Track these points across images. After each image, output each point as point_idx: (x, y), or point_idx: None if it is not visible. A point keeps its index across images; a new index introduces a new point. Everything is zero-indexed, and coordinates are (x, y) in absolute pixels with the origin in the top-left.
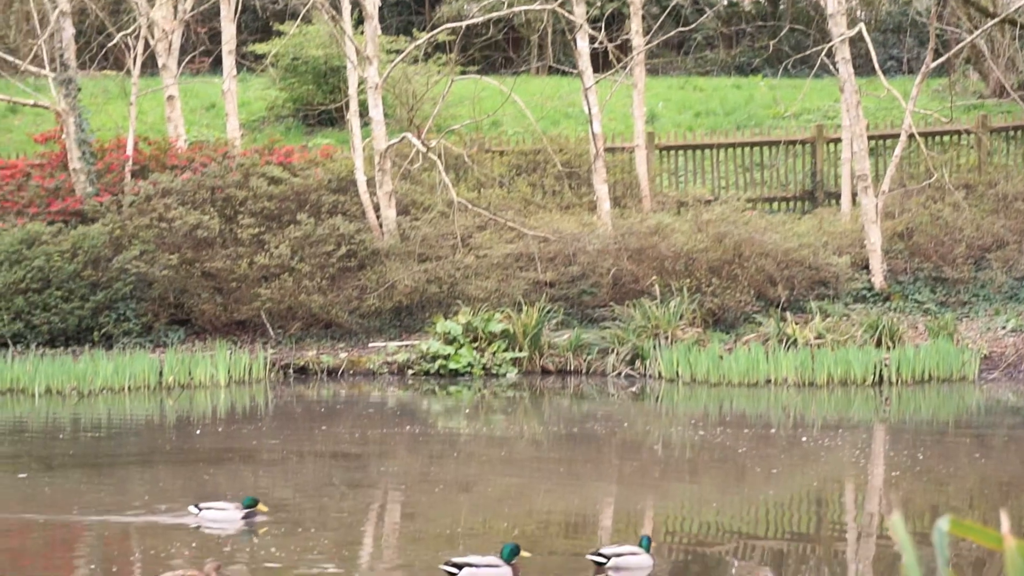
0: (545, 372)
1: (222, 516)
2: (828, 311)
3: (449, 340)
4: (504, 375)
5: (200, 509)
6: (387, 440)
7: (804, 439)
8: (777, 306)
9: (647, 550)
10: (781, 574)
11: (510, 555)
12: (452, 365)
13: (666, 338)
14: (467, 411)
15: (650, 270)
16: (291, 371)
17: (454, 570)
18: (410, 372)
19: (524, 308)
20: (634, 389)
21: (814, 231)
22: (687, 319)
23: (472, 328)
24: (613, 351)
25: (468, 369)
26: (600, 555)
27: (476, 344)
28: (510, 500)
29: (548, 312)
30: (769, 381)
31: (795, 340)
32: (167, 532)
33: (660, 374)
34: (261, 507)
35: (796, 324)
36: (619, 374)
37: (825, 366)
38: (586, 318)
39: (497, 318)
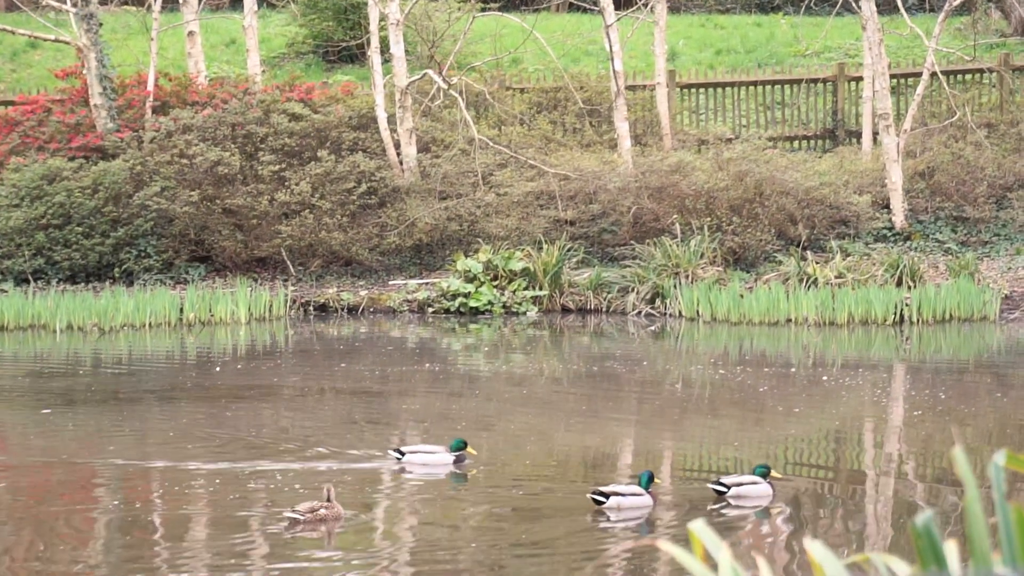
0: (565, 311)
1: (432, 459)
2: (849, 250)
3: (469, 278)
4: (524, 313)
5: (403, 453)
6: (407, 378)
7: (824, 378)
8: (798, 245)
9: (765, 479)
10: (800, 513)
11: (647, 483)
12: (472, 303)
13: (686, 277)
14: (487, 349)
15: (671, 208)
16: (311, 308)
17: (601, 499)
18: (430, 310)
19: (544, 246)
20: (654, 328)
21: (835, 170)
22: (707, 258)
23: (492, 266)
24: (633, 290)
25: (488, 307)
26: (721, 484)
27: (496, 282)
28: (531, 438)
29: (568, 251)
30: (789, 320)
31: (815, 279)
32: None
33: (680, 313)
34: (470, 450)
35: (816, 263)
36: (639, 313)
37: (845, 305)
38: (606, 257)
39: (517, 256)
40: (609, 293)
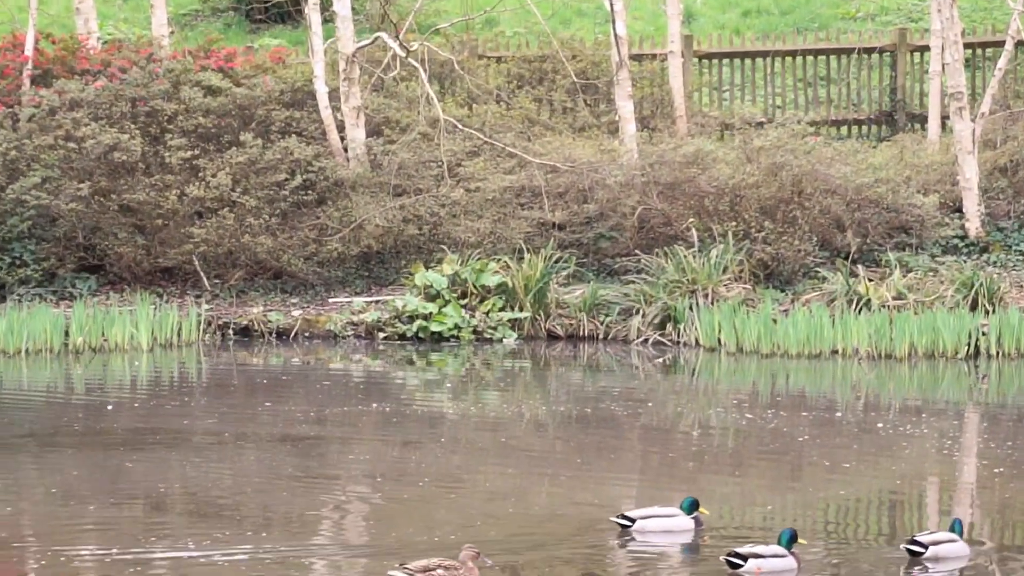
0: (552, 338)
1: (672, 524)
2: (910, 264)
3: (431, 296)
4: (500, 341)
5: (631, 520)
6: (352, 421)
7: (879, 426)
8: (846, 257)
9: (960, 535)
10: None
11: (789, 542)
12: (435, 327)
13: (705, 296)
14: (453, 386)
15: (686, 210)
16: (231, 332)
17: (738, 562)
18: (381, 336)
19: (526, 256)
20: (664, 360)
21: (893, 163)
22: (732, 272)
23: (460, 281)
24: (638, 312)
25: (455, 333)
26: (916, 543)
27: (465, 301)
28: (507, 500)
29: (557, 262)
30: (835, 352)
31: (868, 300)
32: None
33: (697, 342)
34: (703, 509)
35: (870, 280)
36: (646, 341)
37: (906, 334)
38: (604, 270)
39: (492, 268)
40: (608, 316)
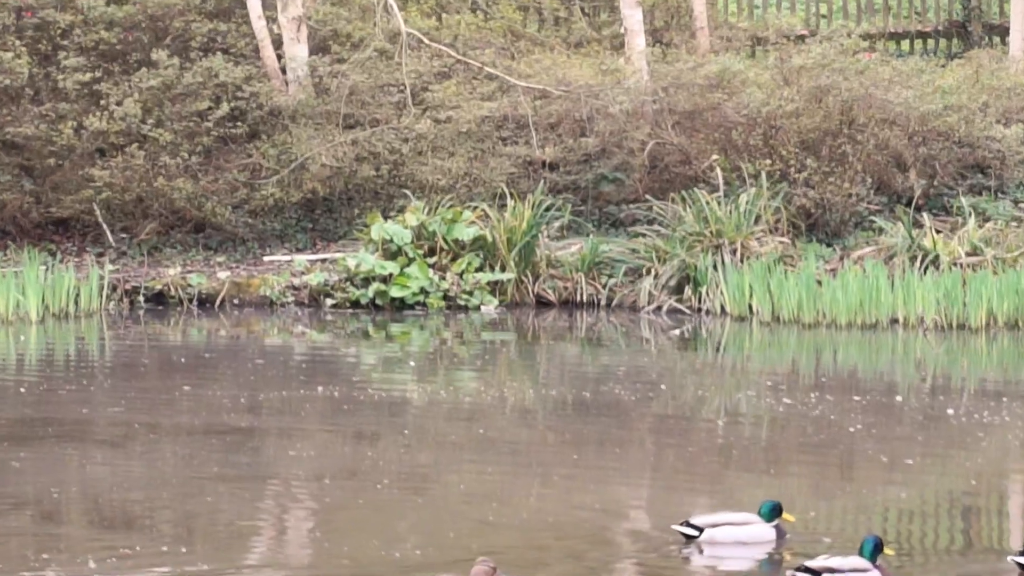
0: (542, 304)
1: (748, 534)
2: (988, 212)
3: (391, 253)
4: (478, 308)
5: (698, 529)
6: (293, 409)
7: (950, 412)
8: (908, 203)
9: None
10: None
11: (873, 552)
12: (396, 292)
13: (733, 252)
14: (419, 365)
15: (709, 145)
16: (141, 299)
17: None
18: (329, 303)
19: (510, 203)
20: (682, 332)
21: (968, 86)
22: (766, 223)
23: (427, 234)
24: (649, 273)
25: (421, 299)
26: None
27: (434, 260)
28: (486, 506)
29: (547, 210)
30: (895, 321)
31: (936, 257)
32: None
33: (723, 309)
34: (787, 516)
35: (938, 232)
36: (659, 308)
37: (983, 299)
38: (607, 220)
39: (467, 219)
40: (612, 277)
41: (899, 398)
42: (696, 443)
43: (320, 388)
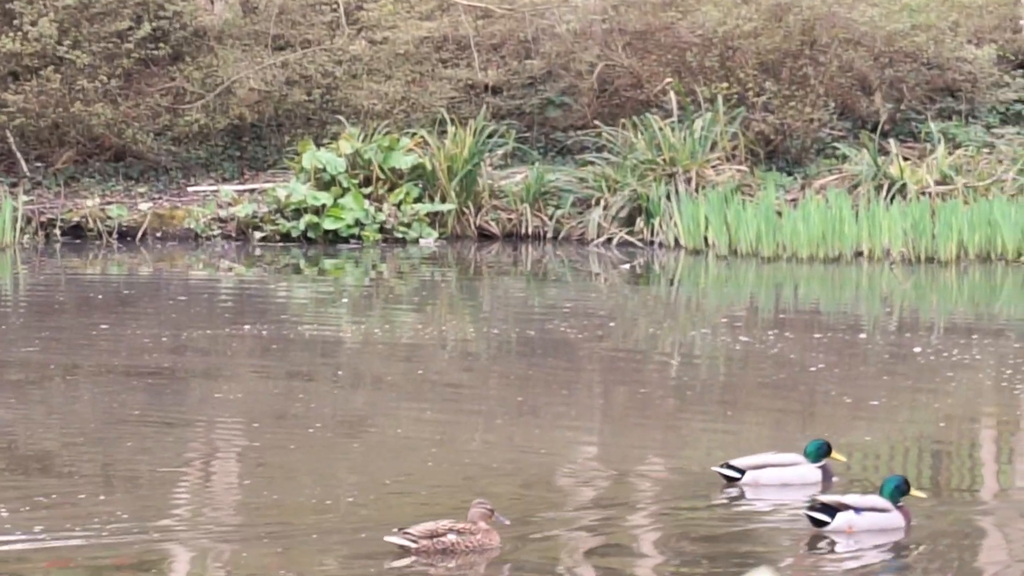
0: (485, 237)
1: (792, 475)
2: (958, 138)
3: (324, 183)
4: (416, 241)
5: (739, 471)
6: (219, 349)
7: (917, 350)
8: (873, 129)
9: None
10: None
11: (895, 492)
12: (329, 224)
13: (688, 182)
14: (353, 301)
15: (662, 67)
16: (58, 232)
17: (824, 518)
18: (258, 235)
19: (450, 129)
20: (633, 266)
21: (936, 3)
22: (723, 150)
23: (363, 162)
24: (599, 203)
25: (355, 231)
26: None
27: (369, 190)
28: (426, 451)
29: (490, 137)
30: (860, 254)
31: (903, 186)
32: None
33: (677, 242)
34: (836, 455)
35: (905, 160)
36: (609, 241)
37: (953, 230)
38: (554, 147)
39: (405, 146)
40: (558, 208)
41: (863, 336)
42: (648, 383)
43: (248, 327)
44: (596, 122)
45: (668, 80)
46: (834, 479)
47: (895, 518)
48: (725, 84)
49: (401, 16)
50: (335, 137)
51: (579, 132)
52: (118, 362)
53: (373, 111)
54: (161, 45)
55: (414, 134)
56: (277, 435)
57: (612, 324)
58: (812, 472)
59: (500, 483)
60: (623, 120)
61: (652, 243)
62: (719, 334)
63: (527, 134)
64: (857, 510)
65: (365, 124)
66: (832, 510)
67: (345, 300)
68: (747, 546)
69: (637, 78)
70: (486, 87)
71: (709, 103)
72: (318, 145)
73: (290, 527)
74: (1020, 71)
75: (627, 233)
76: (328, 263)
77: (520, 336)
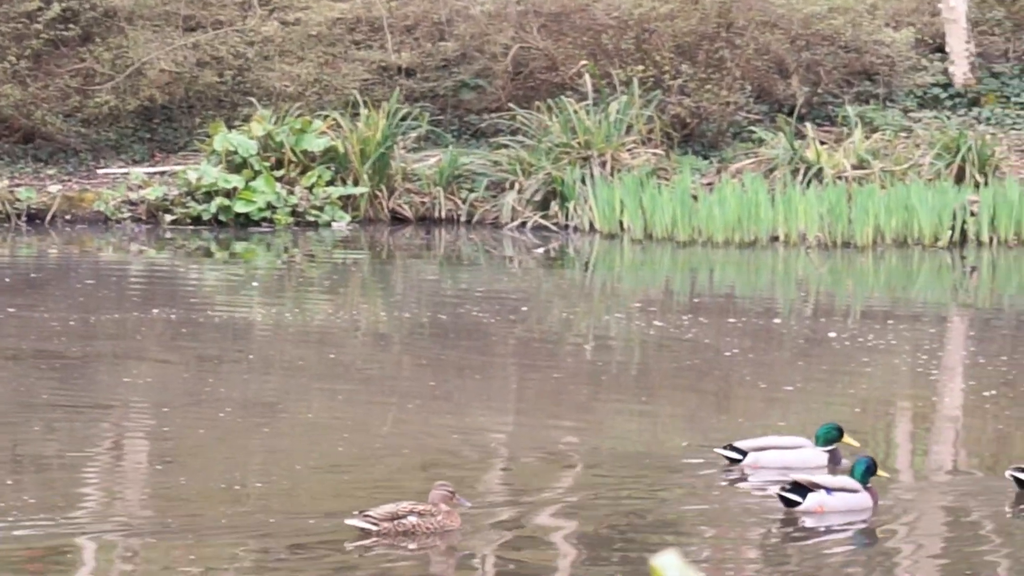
0: (398, 220)
1: (795, 459)
2: (876, 122)
3: (236, 165)
4: (328, 224)
5: (742, 452)
6: (128, 333)
7: (832, 336)
8: (790, 113)
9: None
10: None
11: (865, 473)
12: (240, 207)
13: (603, 165)
14: (265, 285)
15: (577, 50)
16: None
17: (795, 498)
18: (168, 218)
19: (363, 112)
20: (548, 250)
21: None
22: (639, 133)
23: (275, 145)
24: (513, 187)
25: (267, 214)
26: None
27: (281, 173)
28: (337, 434)
29: (404, 120)
30: (776, 239)
31: (820, 170)
32: None
33: (592, 226)
34: (848, 439)
35: (822, 144)
36: (523, 225)
37: (870, 214)
38: (468, 130)
39: (317, 128)
40: (472, 192)
41: (778, 321)
42: (562, 369)
43: (157, 310)
44: (511, 105)
45: (583, 63)
46: (842, 462)
47: (864, 498)
48: (641, 67)
49: None
50: (247, 119)
51: (493, 115)
52: (26, 346)
53: (285, 93)
54: (71, 26)
55: (326, 116)
56: (187, 419)
57: (525, 308)
58: (816, 456)
59: (410, 468)
60: (538, 103)
61: (567, 227)
62: (634, 319)
63: (441, 117)
64: (828, 490)
65: (277, 106)
66: (804, 490)
67: (256, 284)
68: (660, 532)
69: (552, 60)
70: (399, 69)
71: (625, 86)
72: (229, 127)
73: (200, 517)
74: (938, 54)
75: (541, 217)
76: (239, 246)
77: (433, 320)
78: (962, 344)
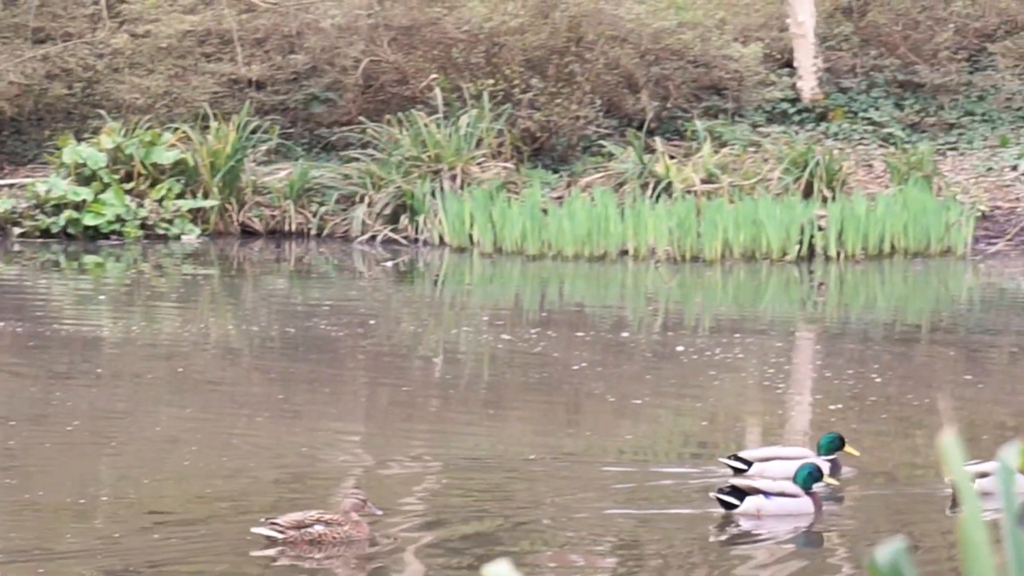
0: (248, 234)
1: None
2: (724, 136)
3: (85, 178)
4: (178, 238)
5: (747, 463)
6: None
7: (680, 350)
8: (640, 127)
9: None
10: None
11: (808, 479)
12: (90, 220)
13: (453, 179)
14: (113, 299)
15: (427, 64)
16: None
17: (733, 500)
18: (16, 231)
19: (213, 125)
20: (397, 264)
21: (703, 0)
22: (489, 147)
23: (124, 157)
24: (363, 200)
25: (117, 227)
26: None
27: (131, 185)
28: (185, 449)
29: (254, 132)
30: (625, 253)
31: (669, 184)
32: None
33: (441, 239)
34: (850, 449)
35: (671, 158)
36: (373, 239)
37: (719, 229)
38: (318, 144)
39: (167, 141)
40: (323, 205)
41: (627, 334)
42: (412, 382)
43: (3, 323)
44: (361, 118)
45: (434, 76)
46: (843, 471)
47: (805, 504)
48: (491, 81)
49: (164, 9)
50: (96, 132)
51: (344, 128)
52: None
53: (135, 105)
54: None
55: (176, 129)
56: (33, 434)
57: (374, 322)
58: (819, 465)
59: (260, 482)
60: (388, 116)
61: (417, 241)
62: (482, 332)
63: (291, 130)
64: (767, 494)
65: (127, 119)
66: (742, 494)
67: (105, 297)
68: (508, 542)
69: (403, 74)
70: (250, 82)
71: (475, 100)
72: (79, 140)
73: (48, 532)
74: (786, 69)
75: (391, 231)
76: (88, 259)
77: (282, 334)
78: (810, 358)
